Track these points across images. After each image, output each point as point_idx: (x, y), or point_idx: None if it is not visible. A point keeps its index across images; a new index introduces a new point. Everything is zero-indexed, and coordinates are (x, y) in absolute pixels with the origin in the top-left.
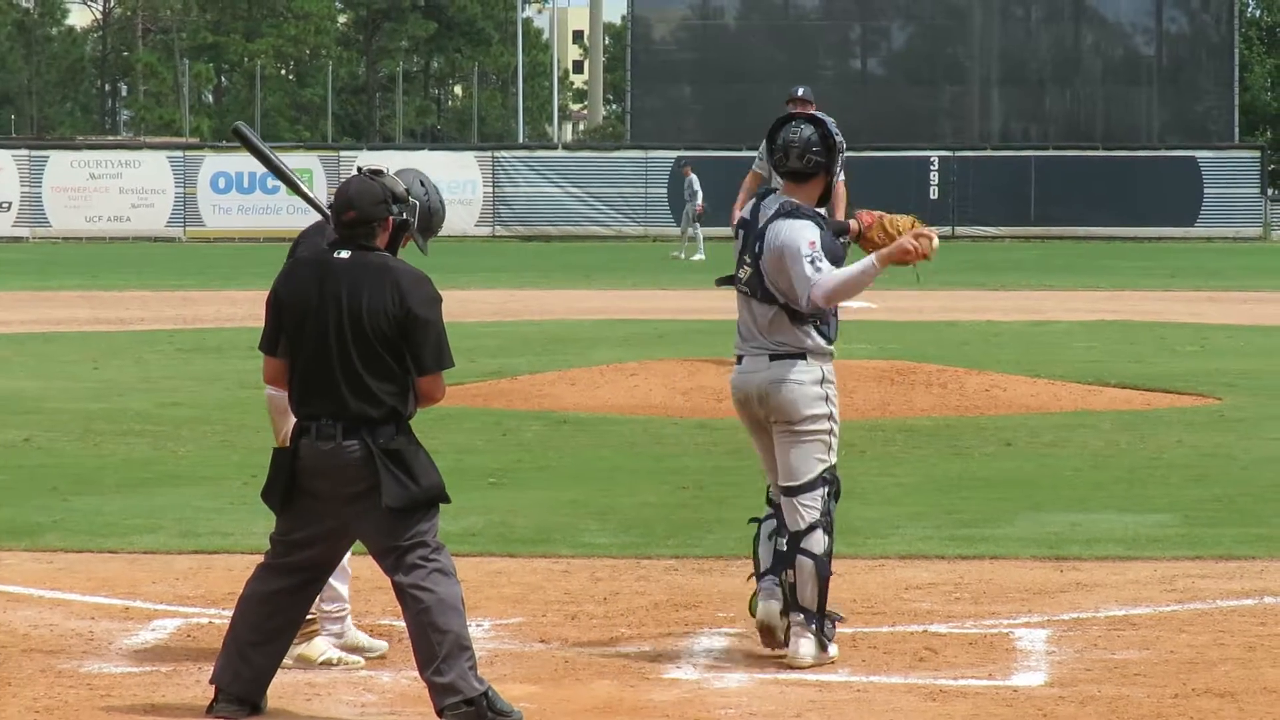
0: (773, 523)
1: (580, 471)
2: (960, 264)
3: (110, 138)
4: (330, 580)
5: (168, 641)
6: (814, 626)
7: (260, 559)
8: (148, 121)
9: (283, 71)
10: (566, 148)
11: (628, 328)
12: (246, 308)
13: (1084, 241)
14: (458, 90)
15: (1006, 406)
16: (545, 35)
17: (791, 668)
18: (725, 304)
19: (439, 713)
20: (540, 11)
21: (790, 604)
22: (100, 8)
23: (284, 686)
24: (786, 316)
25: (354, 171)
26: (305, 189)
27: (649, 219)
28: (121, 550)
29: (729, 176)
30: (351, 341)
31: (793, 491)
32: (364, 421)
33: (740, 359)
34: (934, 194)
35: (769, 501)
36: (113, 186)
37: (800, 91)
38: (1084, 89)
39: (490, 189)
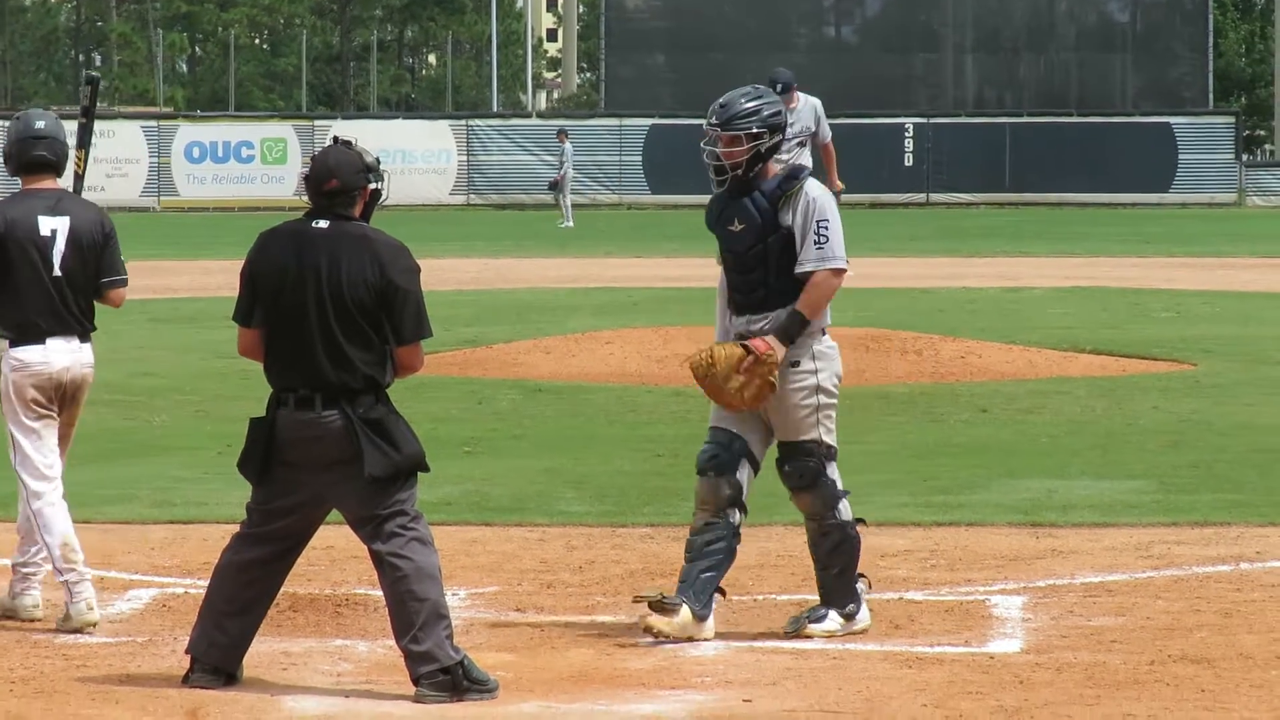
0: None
1: (555, 440)
2: (935, 231)
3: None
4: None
5: (143, 611)
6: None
7: (236, 529)
8: (122, 91)
9: (257, 41)
10: (540, 116)
11: (602, 296)
12: (221, 277)
13: (1059, 208)
14: (432, 59)
15: (982, 373)
16: (519, 3)
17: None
18: (700, 272)
19: (415, 681)
20: None
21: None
22: None
23: (260, 656)
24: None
25: (329, 141)
26: (82, 164)
27: (624, 187)
28: (96, 520)
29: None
30: (331, 311)
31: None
32: (343, 392)
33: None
34: (908, 161)
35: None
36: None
37: (780, 85)
38: (1058, 55)
39: (465, 157)
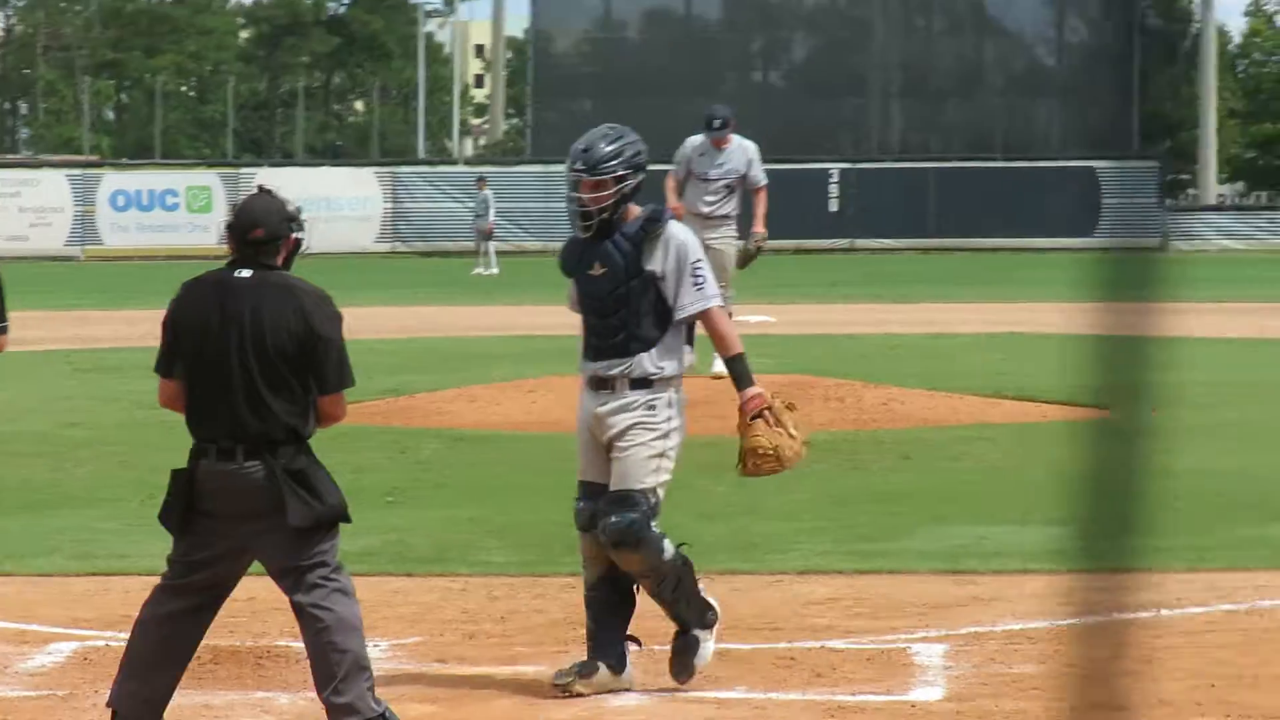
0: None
1: (478, 489)
2: (860, 276)
3: (9, 156)
4: None
5: (64, 665)
6: None
7: (157, 580)
8: (47, 140)
9: (184, 88)
10: (467, 163)
11: (527, 343)
12: (145, 327)
13: (983, 253)
14: (359, 106)
15: (905, 420)
16: (447, 49)
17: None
18: None
19: None
20: (443, 26)
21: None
22: (1, 24)
23: (182, 709)
24: None
25: (254, 189)
26: None
27: (550, 234)
28: (17, 573)
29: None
30: (254, 361)
31: None
32: (265, 442)
33: None
34: (833, 206)
35: None
36: (11, 205)
37: (718, 122)
38: (985, 100)
39: (390, 205)
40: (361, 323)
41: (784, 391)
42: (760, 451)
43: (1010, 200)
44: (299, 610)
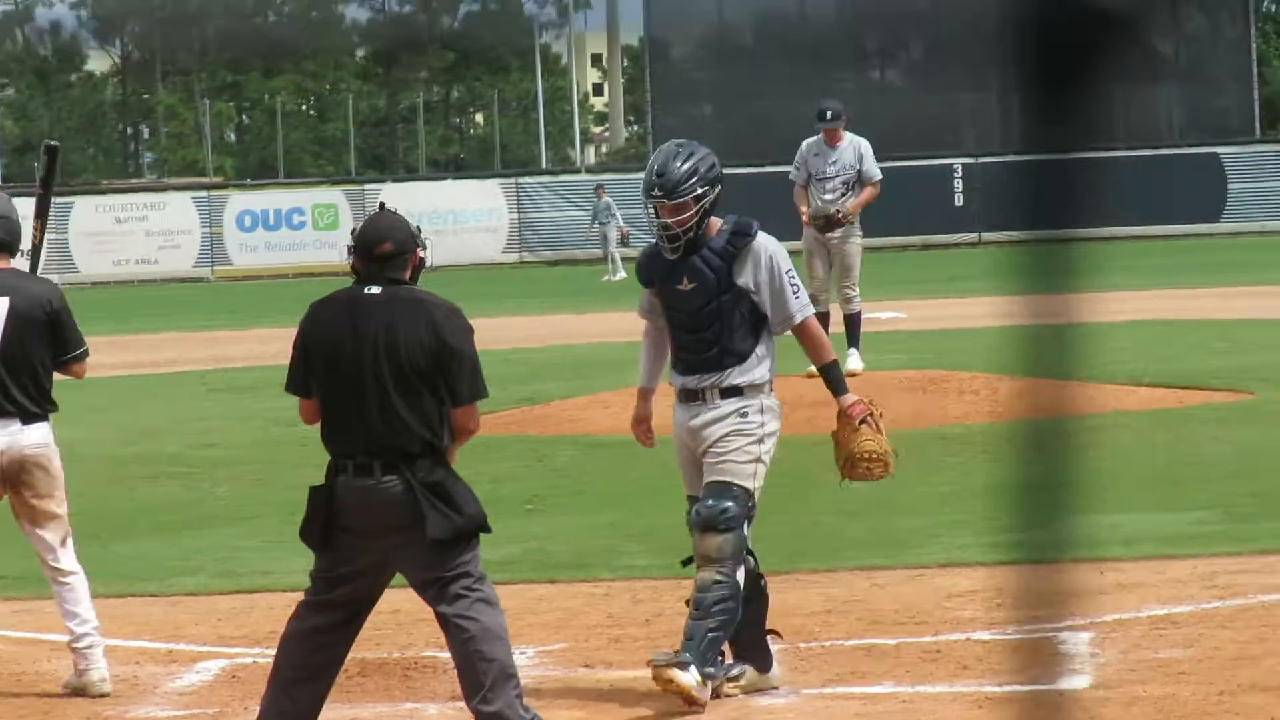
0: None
1: (616, 494)
2: (987, 270)
3: (134, 180)
4: None
5: (212, 683)
6: None
7: (301, 596)
8: (171, 163)
9: (303, 107)
10: (589, 171)
11: None
12: (277, 345)
13: (1110, 242)
14: (479, 118)
15: (1040, 410)
16: (564, 59)
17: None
18: None
19: None
20: (558, 37)
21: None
22: (118, 52)
23: None
24: None
25: (376, 207)
26: (39, 234)
27: None
28: (163, 594)
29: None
30: (389, 376)
31: None
32: (401, 456)
33: None
34: (958, 201)
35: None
36: (139, 229)
37: (829, 114)
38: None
39: (515, 215)
40: (493, 333)
41: (919, 385)
42: (874, 456)
43: (1135, 188)
44: (444, 621)
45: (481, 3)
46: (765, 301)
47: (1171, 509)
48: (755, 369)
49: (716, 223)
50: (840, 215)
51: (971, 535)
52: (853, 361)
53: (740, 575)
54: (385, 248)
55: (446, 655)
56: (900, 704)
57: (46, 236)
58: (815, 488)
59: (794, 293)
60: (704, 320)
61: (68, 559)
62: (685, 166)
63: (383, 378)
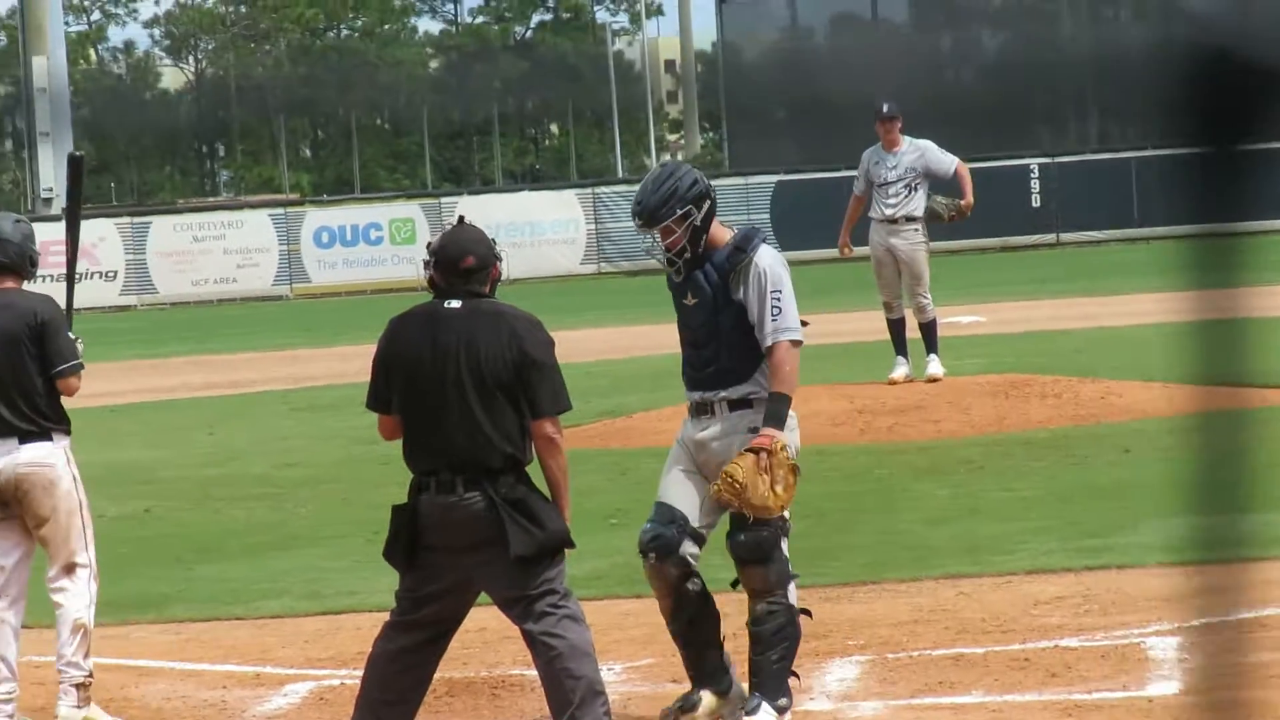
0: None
1: None
2: (1067, 271)
3: (211, 199)
4: (7, 656)
5: (300, 706)
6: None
7: (387, 617)
8: (247, 180)
9: (378, 121)
10: None
11: None
12: (358, 363)
13: (1190, 239)
14: (554, 128)
15: (1123, 413)
16: (637, 67)
17: None
18: (833, 328)
19: None
20: (631, 44)
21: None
22: (192, 70)
23: None
24: None
25: (456, 220)
26: (70, 250)
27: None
28: (249, 617)
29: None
30: (471, 390)
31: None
32: (484, 472)
33: None
34: (1036, 202)
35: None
36: (216, 248)
37: (887, 108)
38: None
39: (593, 226)
40: (574, 346)
41: (1001, 390)
42: (729, 479)
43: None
44: (530, 639)
45: (554, 11)
46: (752, 317)
47: (1259, 510)
48: (764, 383)
49: (724, 235)
50: (965, 207)
51: (1057, 541)
52: (933, 367)
53: (793, 595)
54: (469, 262)
55: (534, 673)
56: (989, 713)
57: (81, 251)
58: (900, 496)
59: (774, 314)
60: (704, 337)
61: (67, 587)
62: (662, 190)
63: (464, 391)
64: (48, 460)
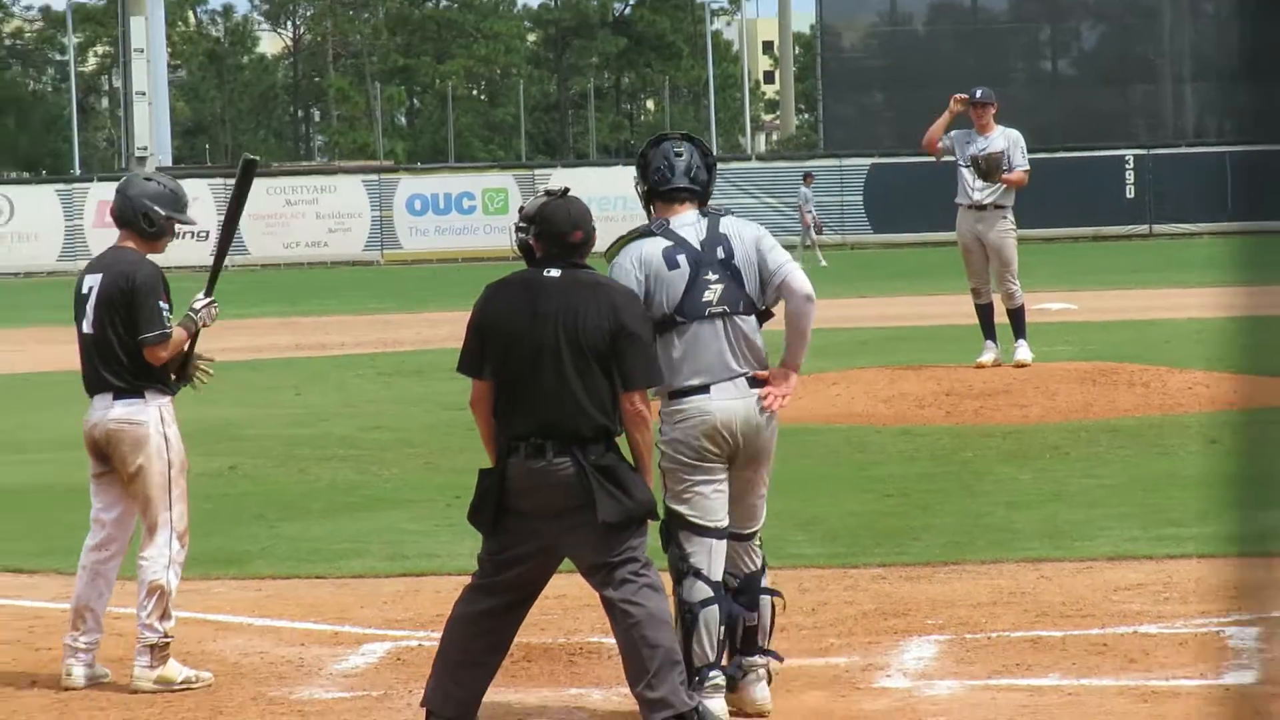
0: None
1: (784, 482)
2: (1158, 262)
3: (305, 164)
4: (95, 608)
5: (378, 665)
6: (771, 666)
7: (468, 580)
8: (341, 146)
9: (474, 92)
10: (760, 158)
11: (827, 337)
12: (446, 329)
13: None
14: (650, 105)
15: (1210, 404)
16: (735, 47)
17: (760, 715)
18: (925, 310)
19: None
20: (729, 24)
21: (748, 647)
22: (290, 35)
23: (495, 707)
24: (758, 323)
25: (542, 191)
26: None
27: (845, 227)
28: (329, 575)
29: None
30: (568, 358)
31: (748, 537)
32: (575, 439)
33: (706, 388)
34: (1130, 192)
35: (697, 572)
36: (309, 212)
37: (979, 94)
38: (1276, 82)
39: None
40: None
41: (1089, 377)
42: None
43: None
44: (609, 606)
45: None
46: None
47: None
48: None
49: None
50: (998, 157)
51: (1140, 528)
52: (1021, 352)
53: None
54: (578, 236)
55: (612, 641)
56: (1066, 696)
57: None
58: (983, 479)
59: None
60: None
61: (148, 546)
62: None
63: (561, 359)
64: (137, 418)
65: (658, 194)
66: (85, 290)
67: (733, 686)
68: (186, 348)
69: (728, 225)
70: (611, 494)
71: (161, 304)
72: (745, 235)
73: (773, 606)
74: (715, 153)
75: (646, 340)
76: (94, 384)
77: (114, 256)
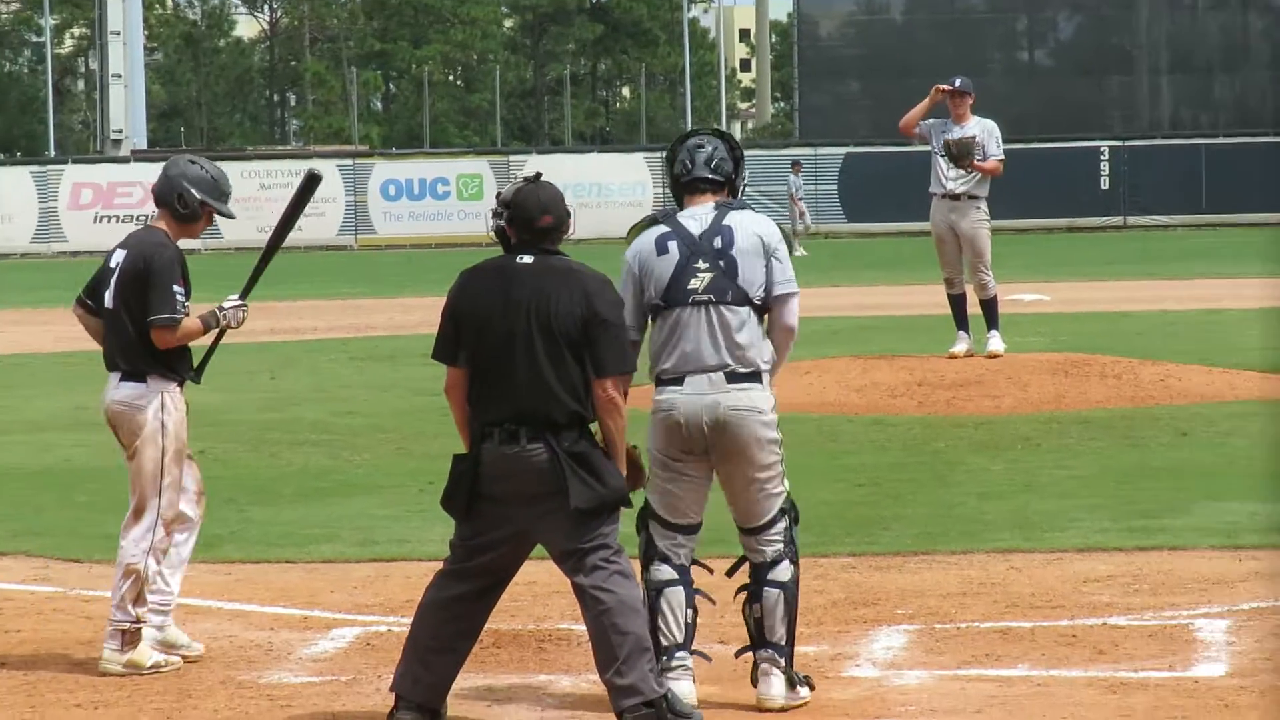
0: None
1: None
2: (1132, 254)
3: (280, 147)
4: (162, 569)
5: (347, 650)
6: (784, 662)
7: (439, 565)
8: (317, 130)
9: (450, 77)
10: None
11: (800, 325)
12: (420, 314)
13: (1258, 228)
14: (625, 92)
15: (1182, 396)
16: (712, 35)
17: (763, 710)
18: (900, 300)
19: (619, 715)
20: (706, 11)
21: (757, 640)
22: (267, 18)
23: (464, 693)
24: (757, 320)
25: (518, 177)
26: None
27: (819, 216)
28: (299, 560)
29: (897, 172)
30: (540, 344)
31: (755, 531)
32: (548, 425)
33: (680, 380)
34: (1104, 184)
35: (664, 556)
36: (283, 196)
37: (958, 83)
38: (1253, 74)
39: (661, 190)
40: None
41: (1061, 368)
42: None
43: None
44: (580, 592)
45: None
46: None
47: None
48: None
49: None
50: (967, 162)
51: (1110, 520)
52: (993, 343)
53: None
54: (547, 220)
55: (581, 628)
56: (1034, 687)
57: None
58: (955, 469)
59: None
60: None
61: (129, 530)
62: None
63: (533, 345)
64: (136, 401)
65: (680, 185)
66: (112, 265)
67: (754, 681)
68: (211, 344)
69: (735, 217)
70: (584, 480)
71: (176, 288)
72: (751, 228)
73: (785, 598)
74: None
75: (619, 326)
76: (109, 361)
77: (143, 235)
